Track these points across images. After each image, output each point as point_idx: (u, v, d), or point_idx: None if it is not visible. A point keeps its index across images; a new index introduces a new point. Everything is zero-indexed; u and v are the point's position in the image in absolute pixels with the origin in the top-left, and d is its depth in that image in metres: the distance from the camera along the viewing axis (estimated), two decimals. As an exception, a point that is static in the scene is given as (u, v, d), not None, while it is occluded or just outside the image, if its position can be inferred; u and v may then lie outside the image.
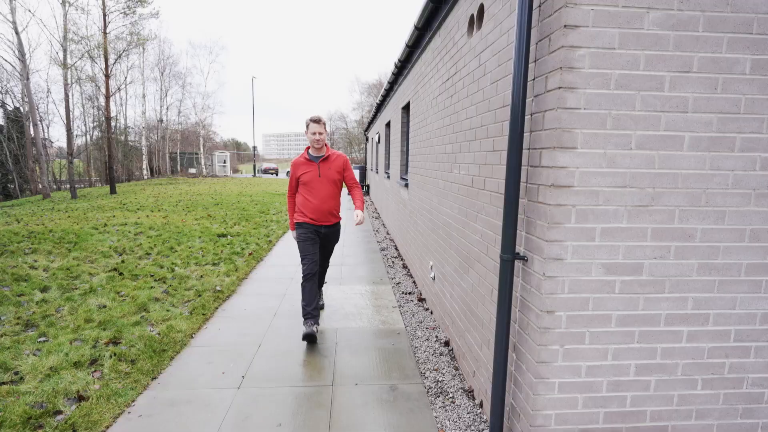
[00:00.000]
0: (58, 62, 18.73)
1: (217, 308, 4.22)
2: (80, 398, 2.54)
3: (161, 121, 38.01)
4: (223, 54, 58.18)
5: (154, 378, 2.88)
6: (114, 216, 9.84)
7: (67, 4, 18.27)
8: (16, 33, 18.74)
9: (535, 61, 1.93)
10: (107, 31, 19.38)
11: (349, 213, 10.97)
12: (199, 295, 4.41)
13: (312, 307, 3.48)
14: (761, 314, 1.94)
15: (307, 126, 3.48)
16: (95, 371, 2.87)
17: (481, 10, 2.69)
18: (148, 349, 3.17)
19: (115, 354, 3.06)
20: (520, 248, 2.06)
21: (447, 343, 3.52)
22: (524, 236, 2.02)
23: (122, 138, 33.81)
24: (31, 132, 20.90)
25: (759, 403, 2.01)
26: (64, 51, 18.46)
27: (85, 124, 32.35)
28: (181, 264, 5.64)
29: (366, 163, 21.74)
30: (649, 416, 1.98)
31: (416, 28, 4.59)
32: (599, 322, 1.89)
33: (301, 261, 3.54)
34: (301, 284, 3.52)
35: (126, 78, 29.66)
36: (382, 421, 2.45)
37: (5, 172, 28.71)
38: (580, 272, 1.84)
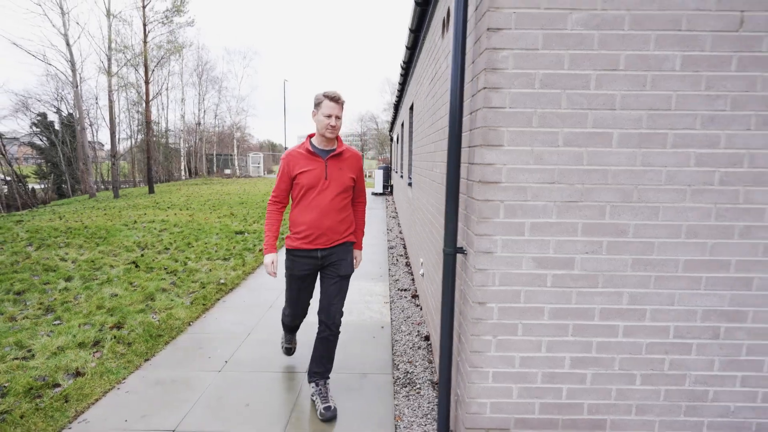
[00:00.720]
0: (103, 70, 20.08)
1: (218, 299, 4.49)
2: (78, 374, 2.83)
3: (199, 124, 39.78)
4: (256, 59, 60.17)
5: (147, 360, 3.14)
6: (145, 214, 10.49)
7: (111, 16, 19.57)
8: (68, 45, 20.24)
9: (472, 63, 2.01)
10: (147, 40, 20.54)
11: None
12: (203, 287, 4.70)
13: (294, 324, 2.87)
14: (702, 311, 1.93)
15: (319, 104, 2.36)
16: (96, 352, 3.17)
17: (449, 12, 2.78)
18: (145, 333, 3.46)
19: (115, 337, 3.36)
20: (463, 242, 2.14)
21: (427, 338, 3.61)
22: (465, 230, 2.10)
23: (163, 141, 35.66)
24: (84, 136, 22.55)
25: (703, 401, 2.00)
26: (109, 60, 19.77)
27: (129, 128, 34.39)
28: (194, 258, 6.00)
29: (390, 163, 21.91)
30: (587, 409, 2.01)
31: (410, 30, 4.69)
32: (532, 315, 1.94)
33: (285, 304, 2.72)
34: (281, 319, 2.88)
35: (166, 83, 31.27)
36: (342, 406, 2.58)
37: (59, 173, 30.91)
38: (510, 265, 1.91)
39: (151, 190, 20.45)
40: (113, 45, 19.95)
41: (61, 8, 19.62)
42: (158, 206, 12.36)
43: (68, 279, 4.91)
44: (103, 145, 37.12)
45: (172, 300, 4.28)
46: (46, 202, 22.28)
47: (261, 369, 3.04)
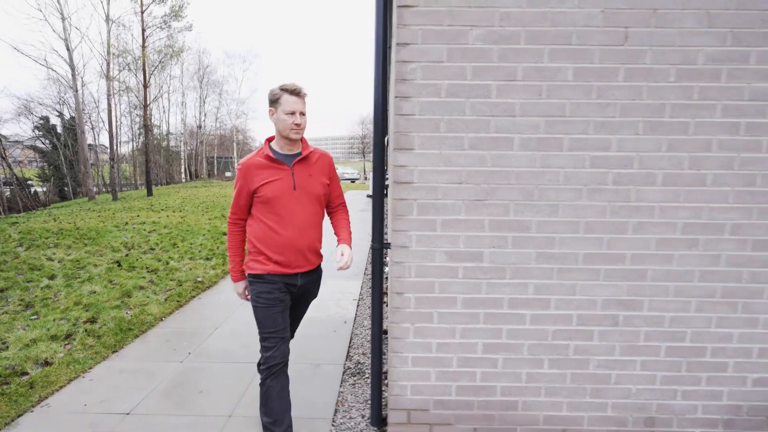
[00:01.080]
0: (102, 75, 20.44)
1: (193, 297, 4.68)
2: (46, 363, 3.02)
3: (200, 127, 40.20)
4: (256, 62, 60.80)
5: (115, 351, 3.33)
6: (138, 216, 10.71)
7: (110, 22, 19.92)
8: (68, 50, 20.60)
9: (392, 74, 2.19)
10: (145, 44, 20.86)
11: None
12: (180, 285, 4.89)
13: (284, 428, 2.10)
14: (602, 300, 2.10)
15: (276, 100, 1.98)
16: (67, 344, 3.36)
17: (392, 24, 2.97)
18: (116, 328, 3.65)
19: (86, 331, 3.56)
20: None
21: (386, 332, 3.78)
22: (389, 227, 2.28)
23: (164, 144, 36.05)
24: (83, 139, 22.89)
25: (606, 384, 2.16)
26: (108, 64, 20.14)
27: (131, 131, 34.81)
28: (177, 258, 6.19)
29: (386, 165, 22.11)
30: (500, 391, 2.18)
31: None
32: (446, 304, 2.12)
33: (262, 341, 2.08)
34: (262, 383, 2.10)
35: (165, 87, 31.65)
36: (291, 393, 2.76)
37: (61, 176, 31.27)
38: (425, 259, 2.08)
39: (150, 193, 20.71)
40: (112, 50, 20.32)
41: (62, 14, 19.98)
42: (152, 208, 12.59)
43: (52, 277, 5.11)
44: (106, 148, 37.52)
45: (147, 297, 4.47)
46: (47, 205, 22.59)
47: (220, 360, 3.22)
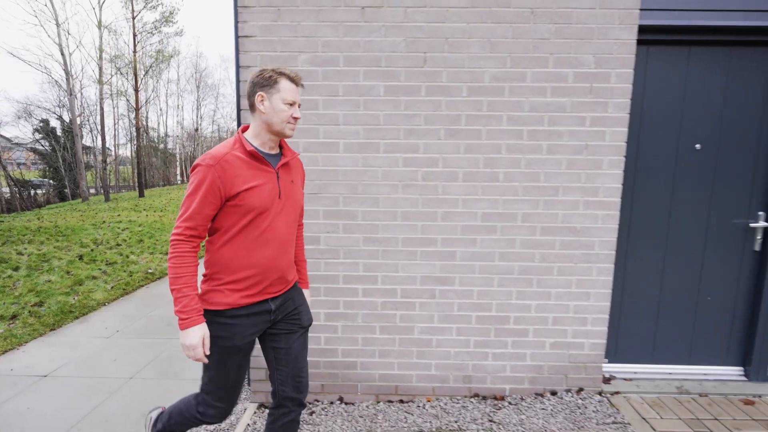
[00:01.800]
0: (94, 79, 21.08)
1: (142, 286, 5.14)
2: (-13, 338, 3.49)
3: (197, 129, 40.86)
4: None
5: (53, 329, 3.79)
6: (119, 215, 11.21)
7: (102, 27, 20.52)
8: (62, 54, 21.22)
9: (252, 89, 2.63)
10: (136, 49, 21.46)
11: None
12: (131, 276, 5.36)
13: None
14: (420, 277, 2.53)
15: (273, 84, 1.57)
16: (11, 323, 3.83)
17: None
18: (58, 310, 4.11)
19: (30, 312, 4.02)
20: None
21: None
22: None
23: (161, 146, 36.72)
24: (78, 142, 23.55)
25: (429, 347, 2.60)
26: (100, 69, 20.75)
27: (129, 133, 35.48)
28: (138, 252, 6.66)
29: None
30: (341, 353, 2.62)
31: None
32: (292, 280, 2.55)
33: (205, 392, 1.69)
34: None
35: (160, 90, 32.26)
36: (195, 364, 3.21)
37: (60, 178, 31.93)
38: (272, 242, 2.52)
39: (141, 194, 21.30)
40: (104, 55, 20.93)
41: (56, 20, 20.60)
42: (135, 208, 13.10)
43: (16, 269, 5.59)
44: (109, 150, 38.20)
45: (97, 285, 4.94)
46: (41, 206, 23.22)
47: (142, 337, 3.67)
